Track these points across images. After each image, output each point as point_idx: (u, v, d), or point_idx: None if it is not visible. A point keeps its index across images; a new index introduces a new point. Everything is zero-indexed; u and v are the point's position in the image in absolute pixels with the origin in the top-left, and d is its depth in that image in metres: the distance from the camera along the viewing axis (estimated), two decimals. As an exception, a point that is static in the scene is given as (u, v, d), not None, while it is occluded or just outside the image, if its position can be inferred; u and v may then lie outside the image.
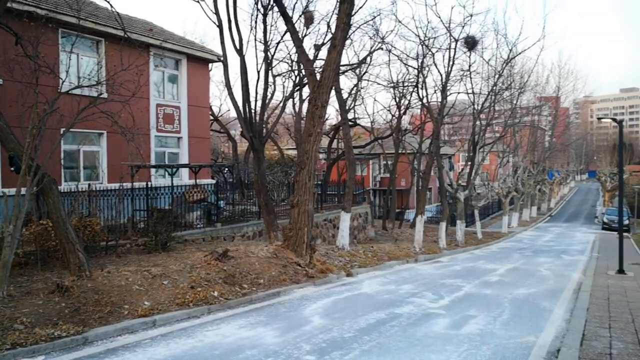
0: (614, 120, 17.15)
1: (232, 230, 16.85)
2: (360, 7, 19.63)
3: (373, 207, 39.75)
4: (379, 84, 39.89)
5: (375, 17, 22.34)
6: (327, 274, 12.84)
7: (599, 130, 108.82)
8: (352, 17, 14.76)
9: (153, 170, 17.74)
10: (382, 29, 33.97)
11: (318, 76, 13.43)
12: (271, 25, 18.01)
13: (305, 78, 17.77)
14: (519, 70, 32.42)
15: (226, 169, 23.64)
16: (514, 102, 32.79)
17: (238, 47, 16.19)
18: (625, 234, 35.02)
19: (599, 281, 14.17)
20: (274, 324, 8.57)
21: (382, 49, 24.10)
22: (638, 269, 17.16)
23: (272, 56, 18.47)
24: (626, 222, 38.00)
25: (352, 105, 28.00)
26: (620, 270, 15.93)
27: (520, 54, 27.69)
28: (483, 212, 43.65)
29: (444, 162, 30.42)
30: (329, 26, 20.49)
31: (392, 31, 50.18)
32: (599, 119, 19.93)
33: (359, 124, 31.12)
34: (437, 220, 28.39)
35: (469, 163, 27.50)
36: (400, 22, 22.87)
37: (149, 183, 15.21)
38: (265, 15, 16.96)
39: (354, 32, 21.88)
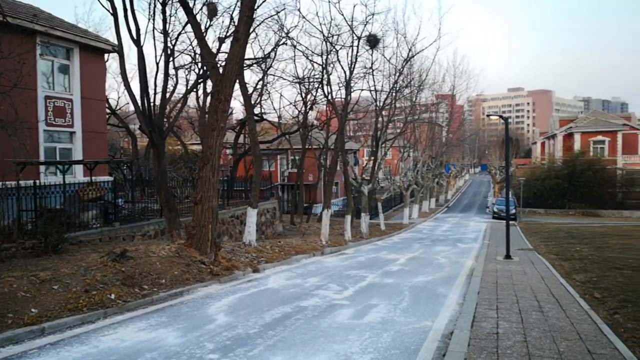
0: (501, 117, 18.54)
1: (131, 230, 16.05)
2: (263, 1, 19.45)
3: (281, 202, 39.85)
4: (284, 79, 39.92)
5: (279, 12, 22.25)
6: (232, 271, 12.64)
7: (490, 126, 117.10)
8: (255, 11, 14.61)
9: (43, 168, 16.40)
10: (287, 24, 34.01)
11: (221, 70, 13.14)
12: (171, 16, 17.36)
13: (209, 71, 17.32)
14: (417, 68, 34.07)
15: (125, 165, 22.43)
16: (414, 99, 34.38)
17: (135, 37, 15.40)
18: (512, 222, 38.30)
19: (489, 266, 15.29)
20: (176, 324, 8.29)
21: (286, 44, 24.18)
22: (523, 254, 18.74)
23: (173, 48, 17.81)
24: (513, 211, 41.34)
25: (258, 100, 27.82)
26: (508, 256, 17.33)
27: (418, 53, 29.15)
28: (386, 204, 45.46)
29: (349, 157, 31.22)
30: (232, 19, 20.13)
31: (296, 27, 50.56)
32: (488, 115, 21.44)
33: (265, 119, 30.99)
34: (344, 214, 29.08)
35: (372, 158, 28.44)
36: (304, 17, 22.90)
37: (38, 181, 14.03)
38: (164, 4, 16.30)
39: (258, 25, 21.70)
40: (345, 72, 23.53)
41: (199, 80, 21.90)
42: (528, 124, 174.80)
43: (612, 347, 7.04)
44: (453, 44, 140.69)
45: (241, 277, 12.76)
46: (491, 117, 19.75)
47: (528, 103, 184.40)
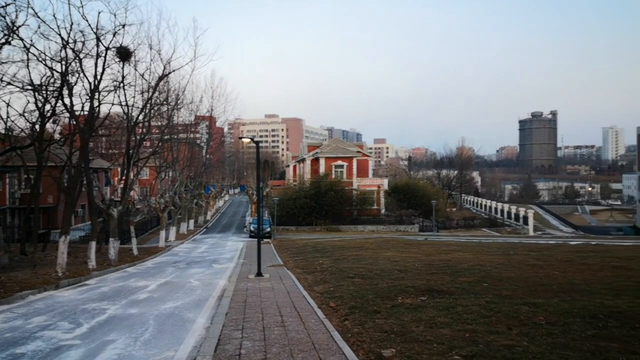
0: (252, 140, 19.22)
1: None
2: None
3: (11, 229, 34.03)
4: (13, 84, 34.29)
5: (5, 5, 18.89)
6: None
7: (249, 149, 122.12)
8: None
9: None
10: (18, 22, 29.26)
11: None
12: None
13: None
14: (176, 87, 33.34)
15: None
16: (171, 117, 33.42)
17: None
18: (267, 239, 40.17)
19: (241, 285, 15.46)
20: None
21: (10, 44, 20.62)
22: (274, 270, 19.57)
23: None
24: (268, 229, 43.49)
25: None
26: (259, 274, 17.85)
27: (174, 71, 28.41)
28: (142, 227, 42.90)
29: (96, 176, 28.44)
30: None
31: (28, 25, 44.35)
32: (240, 138, 22.01)
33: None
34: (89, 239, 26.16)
35: (124, 178, 26.44)
36: (36, 15, 19.95)
37: None
38: None
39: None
40: (90, 83, 21.41)
41: None
42: (283, 148, 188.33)
43: (340, 353, 7.60)
44: (210, 67, 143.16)
45: (-64, 325, 10.12)
46: (244, 139, 20.32)
47: (282, 129, 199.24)
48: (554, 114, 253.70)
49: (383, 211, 61.44)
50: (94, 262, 21.82)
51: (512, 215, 66.04)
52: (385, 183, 65.36)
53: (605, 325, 8.36)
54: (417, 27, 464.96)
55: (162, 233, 35.42)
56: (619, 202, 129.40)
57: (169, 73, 27.65)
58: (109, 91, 23.47)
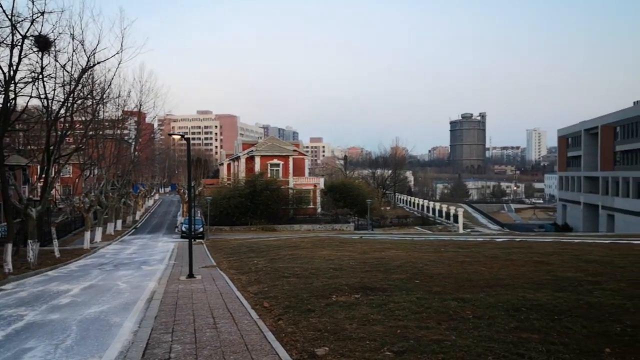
0: (183, 137, 18.62)
1: None
2: None
3: None
4: None
5: None
6: None
7: (181, 146, 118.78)
8: None
9: None
10: None
11: None
12: None
13: None
14: (101, 80, 31.70)
15: None
16: (96, 112, 31.81)
17: None
18: (200, 240, 39.23)
19: (171, 287, 14.97)
20: None
21: None
22: (206, 272, 19.12)
23: None
24: (201, 229, 42.50)
25: None
26: (191, 275, 17.37)
27: (99, 63, 26.99)
28: (65, 228, 40.62)
29: (13, 174, 26.58)
30: None
31: None
32: (169, 134, 21.30)
33: None
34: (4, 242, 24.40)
35: (44, 176, 24.85)
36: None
37: None
38: None
39: None
40: (5, 73, 19.89)
41: None
42: (216, 146, 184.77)
43: (274, 353, 7.51)
44: (139, 60, 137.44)
45: None
46: (174, 136, 19.68)
47: (216, 126, 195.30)
48: (482, 115, 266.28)
49: (319, 210, 61.82)
50: (10, 266, 20.37)
51: (443, 214, 68.55)
52: (321, 182, 65.80)
53: (527, 317, 8.79)
54: (355, 26, 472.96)
55: (87, 234, 33.70)
56: (541, 201, 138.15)
57: (94, 65, 26.27)
58: (27, 83, 21.93)
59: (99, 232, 38.71)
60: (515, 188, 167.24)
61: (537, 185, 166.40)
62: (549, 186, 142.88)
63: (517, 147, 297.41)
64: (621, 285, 11.27)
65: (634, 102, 61.39)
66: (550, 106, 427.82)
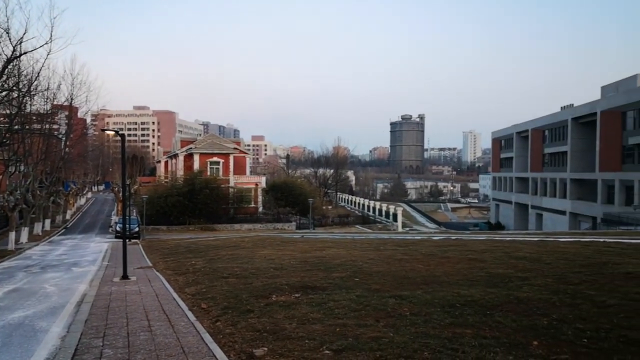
0: (117, 133, 17.89)
1: None
2: None
3: None
4: None
5: None
6: None
7: (116, 142, 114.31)
8: None
9: None
10: None
11: None
12: None
13: None
14: (29, 71, 29.83)
15: None
16: (22, 105, 29.96)
17: None
18: (135, 240, 37.86)
19: (104, 290, 14.35)
20: None
21: None
22: (142, 273, 18.47)
23: None
24: (136, 229, 40.99)
25: None
26: (125, 276, 16.72)
27: (25, 53, 25.39)
28: (-14, 228, 38.03)
29: None
30: None
31: None
32: (102, 130, 20.44)
33: None
34: None
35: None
36: None
37: None
38: None
39: None
40: None
41: None
42: (154, 143, 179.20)
43: (211, 355, 7.34)
44: (70, 51, 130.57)
45: None
46: (108, 132, 18.86)
47: (153, 122, 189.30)
48: (422, 117, 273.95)
49: (261, 209, 61.33)
50: None
51: (383, 213, 69.91)
52: (263, 181, 65.30)
53: (461, 313, 9.08)
54: (297, 25, 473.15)
55: (12, 235, 31.72)
56: (476, 200, 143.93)
57: (20, 55, 24.71)
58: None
59: (25, 232, 36.53)
60: (451, 188, 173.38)
61: (473, 185, 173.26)
62: (483, 186, 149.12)
63: (454, 149, 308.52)
64: (548, 281, 11.88)
65: (562, 107, 65.13)
66: (486, 109, 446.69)
